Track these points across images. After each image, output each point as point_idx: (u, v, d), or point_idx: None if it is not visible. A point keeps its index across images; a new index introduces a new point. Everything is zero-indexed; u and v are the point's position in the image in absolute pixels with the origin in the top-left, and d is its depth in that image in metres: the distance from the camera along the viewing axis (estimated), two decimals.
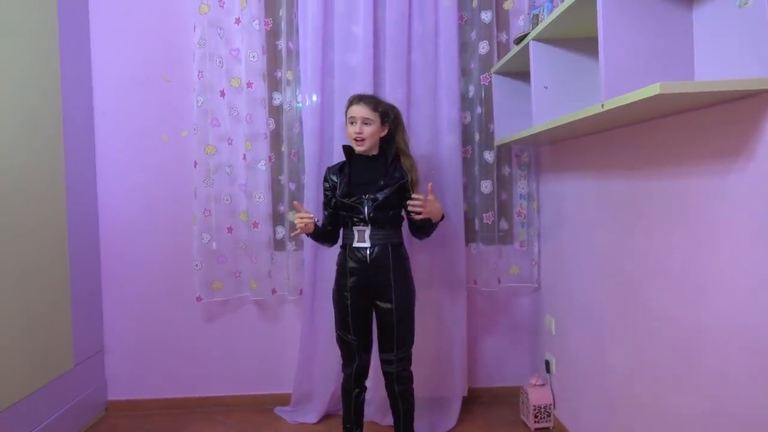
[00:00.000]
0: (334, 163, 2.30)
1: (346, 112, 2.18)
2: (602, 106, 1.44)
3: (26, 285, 2.26)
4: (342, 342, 2.22)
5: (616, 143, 1.91)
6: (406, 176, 2.17)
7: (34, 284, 2.31)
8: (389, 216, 2.16)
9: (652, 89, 1.19)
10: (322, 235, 2.26)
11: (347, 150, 2.22)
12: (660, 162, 1.62)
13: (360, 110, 2.11)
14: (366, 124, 2.11)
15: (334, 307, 2.23)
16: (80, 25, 2.73)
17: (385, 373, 2.22)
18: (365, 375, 2.25)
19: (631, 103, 1.31)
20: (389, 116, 2.19)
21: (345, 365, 2.24)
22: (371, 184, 2.14)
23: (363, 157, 2.19)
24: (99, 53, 2.81)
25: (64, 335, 2.53)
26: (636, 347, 1.81)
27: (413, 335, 2.21)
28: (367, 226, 2.14)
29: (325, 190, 2.26)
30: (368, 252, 2.13)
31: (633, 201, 1.80)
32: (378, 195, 2.12)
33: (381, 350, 2.20)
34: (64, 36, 2.56)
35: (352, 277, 2.16)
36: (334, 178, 2.21)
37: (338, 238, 2.28)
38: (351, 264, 2.16)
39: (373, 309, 2.20)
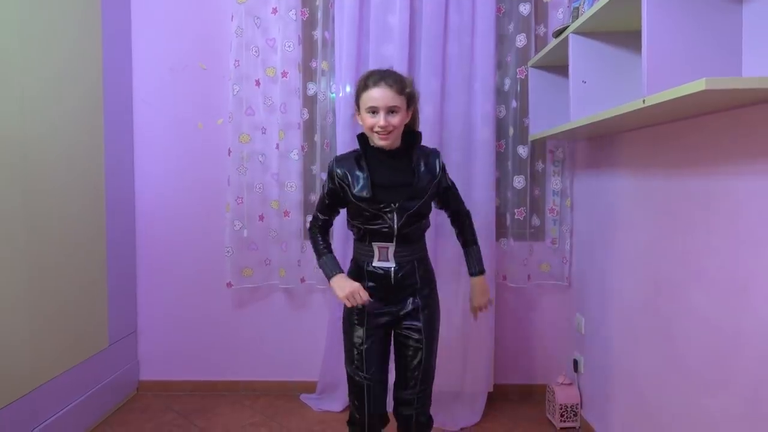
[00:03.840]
0: (341, 154, 1.85)
1: (359, 96, 1.69)
2: (643, 101, 1.40)
3: (66, 267, 2.34)
4: (352, 382, 1.78)
5: (655, 140, 1.86)
6: (438, 168, 1.79)
7: (73, 266, 2.38)
8: (421, 228, 1.79)
9: (698, 84, 1.15)
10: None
11: (363, 141, 1.77)
12: (702, 161, 1.58)
13: (384, 95, 1.62)
14: (393, 112, 1.64)
15: (344, 338, 1.81)
16: (122, 16, 2.79)
17: (401, 418, 1.81)
18: (382, 423, 1.82)
19: (675, 98, 1.27)
20: (414, 98, 1.74)
21: (355, 409, 1.79)
22: (398, 188, 1.71)
23: (381, 151, 1.73)
24: (139, 43, 2.87)
25: (101, 315, 2.60)
26: (670, 350, 1.77)
27: (435, 370, 1.85)
28: (392, 241, 1.72)
29: (330, 188, 1.78)
30: (392, 273, 1.74)
31: (672, 200, 1.75)
32: (410, 203, 1.70)
33: (398, 387, 1.82)
34: (107, 27, 2.62)
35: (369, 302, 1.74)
36: (345, 174, 1.73)
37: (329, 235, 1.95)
38: (367, 284, 1.75)
39: (394, 336, 1.82)
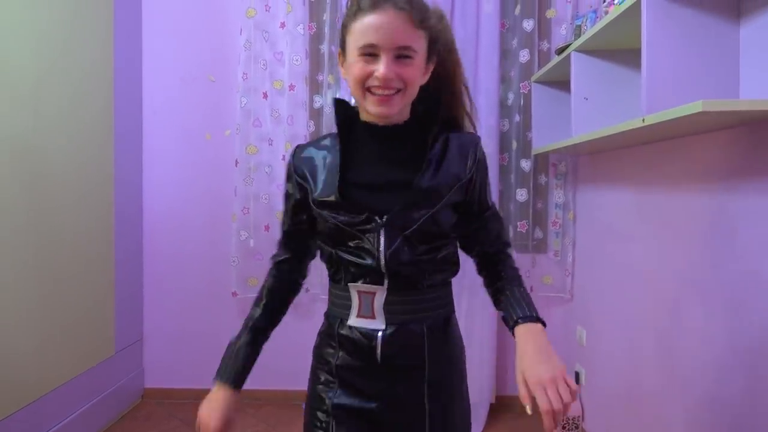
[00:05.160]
0: (308, 142, 1.14)
1: (346, 27, 0.97)
2: (643, 120, 1.44)
3: (74, 276, 2.37)
4: None
5: (656, 156, 1.89)
6: (470, 163, 1.04)
7: (81, 275, 2.42)
8: (433, 260, 1.04)
9: (695, 106, 1.18)
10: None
11: (341, 109, 1.05)
12: (701, 177, 1.60)
13: (391, 23, 0.92)
14: (403, 57, 0.94)
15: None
16: (134, 28, 2.85)
17: None
18: None
19: (672, 119, 1.31)
20: (441, 40, 1.03)
21: None
22: (393, 188, 1.00)
23: (373, 128, 1.03)
24: (150, 54, 2.92)
25: (108, 324, 2.64)
26: (670, 365, 1.79)
27: None
28: (381, 282, 1.01)
29: (287, 192, 1.12)
30: (379, 339, 1.01)
31: (672, 215, 1.78)
32: (409, 214, 0.99)
33: None
34: (118, 38, 2.68)
35: (338, 386, 1.07)
36: (306, 168, 1.07)
37: (297, 292, 1.25)
38: (342, 358, 1.06)
39: None
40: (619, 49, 2.00)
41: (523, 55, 2.70)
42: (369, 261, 1.00)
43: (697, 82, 1.43)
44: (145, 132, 2.94)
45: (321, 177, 1.04)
